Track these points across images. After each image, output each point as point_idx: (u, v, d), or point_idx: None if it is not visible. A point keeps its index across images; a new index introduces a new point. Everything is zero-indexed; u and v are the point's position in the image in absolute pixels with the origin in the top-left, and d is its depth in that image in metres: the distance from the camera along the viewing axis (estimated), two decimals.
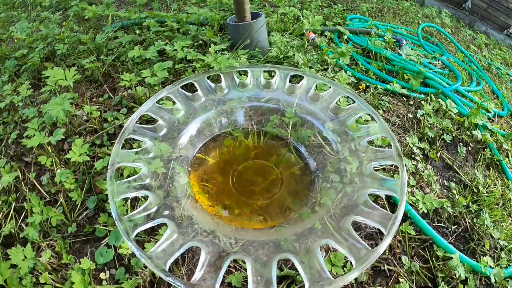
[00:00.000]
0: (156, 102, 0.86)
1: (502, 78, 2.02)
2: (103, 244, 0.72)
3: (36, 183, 0.83)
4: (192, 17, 1.22)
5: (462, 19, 2.91)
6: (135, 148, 0.90)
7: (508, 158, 1.23)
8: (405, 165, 1.01)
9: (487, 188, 1.05)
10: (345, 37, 1.48)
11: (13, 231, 0.74)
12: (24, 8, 1.71)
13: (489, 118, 1.42)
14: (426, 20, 2.36)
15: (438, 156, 1.11)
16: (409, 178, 0.98)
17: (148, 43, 1.23)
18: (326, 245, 0.78)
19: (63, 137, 0.82)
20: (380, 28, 1.77)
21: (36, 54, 1.12)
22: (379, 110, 1.18)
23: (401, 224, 0.84)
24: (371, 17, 1.96)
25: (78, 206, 0.78)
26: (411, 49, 1.66)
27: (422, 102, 1.28)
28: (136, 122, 0.80)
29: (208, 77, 0.95)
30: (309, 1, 1.77)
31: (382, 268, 0.79)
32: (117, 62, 1.19)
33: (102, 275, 0.67)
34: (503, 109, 1.56)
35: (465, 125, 1.25)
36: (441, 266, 0.80)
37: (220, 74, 0.96)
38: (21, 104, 1.02)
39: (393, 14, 2.22)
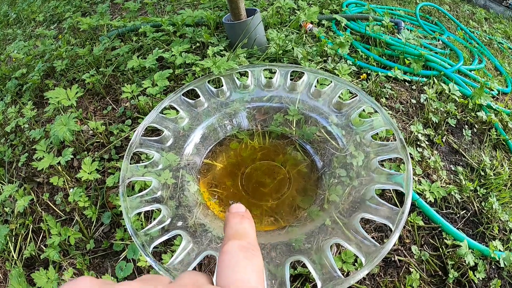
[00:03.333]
0: (159, 112, 0.87)
1: (504, 52, 1.98)
2: (121, 258, 0.74)
3: (50, 203, 0.85)
4: (187, 19, 1.20)
5: None
6: (143, 159, 0.91)
7: None
8: (411, 155, 1.01)
9: (494, 170, 1.05)
10: (343, 24, 1.45)
11: (33, 253, 0.76)
12: (19, 24, 1.70)
13: (493, 97, 1.40)
14: None
15: (444, 140, 1.10)
16: (415, 167, 0.99)
17: (145, 50, 1.22)
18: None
19: (72, 156, 0.83)
20: (378, 12, 1.73)
21: (36, 73, 1.12)
22: (382, 98, 1.17)
23: (409, 214, 0.85)
24: (367, 0, 1.92)
25: (94, 223, 0.80)
26: (410, 31, 1.63)
27: (425, 86, 1.26)
28: (142, 134, 0.81)
29: (208, 81, 0.95)
30: None
31: (393, 259, 0.80)
32: (117, 73, 1.18)
33: None
34: (507, 86, 1.54)
35: (469, 107, 1.23)
36: (450, 254, 0.81)
37: (221, 78, 0.96)
38: (26, 125, 1.03)
39: None
